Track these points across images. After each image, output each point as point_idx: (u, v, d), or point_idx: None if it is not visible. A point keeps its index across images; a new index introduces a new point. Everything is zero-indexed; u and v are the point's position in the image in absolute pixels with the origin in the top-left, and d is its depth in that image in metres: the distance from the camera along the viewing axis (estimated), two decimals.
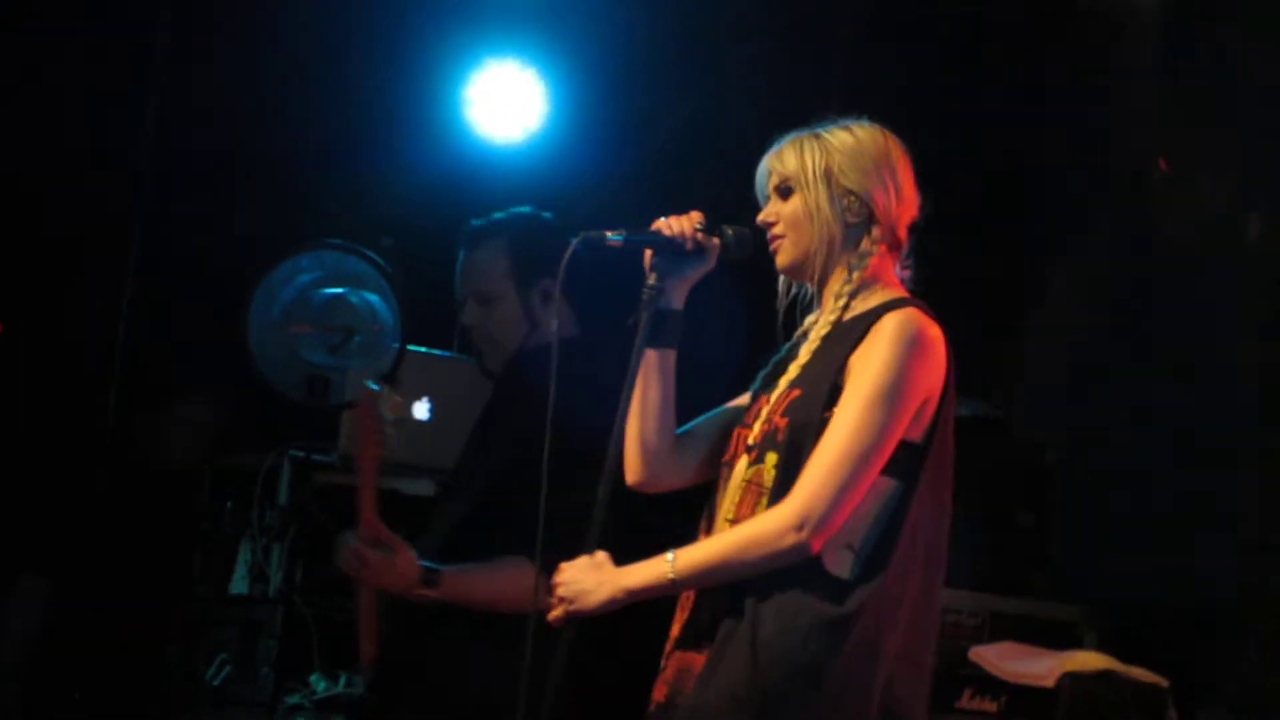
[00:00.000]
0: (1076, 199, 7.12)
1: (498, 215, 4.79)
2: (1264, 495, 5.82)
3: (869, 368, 3.58)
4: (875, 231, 3.74)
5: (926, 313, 3.67)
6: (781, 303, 3.85)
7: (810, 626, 3.51)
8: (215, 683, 6.09)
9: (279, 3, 7.25)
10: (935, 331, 3.64)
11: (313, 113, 7.18)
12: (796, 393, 3.67)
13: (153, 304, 6.87)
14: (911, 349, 3.59)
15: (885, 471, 3.57)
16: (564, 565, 3.69)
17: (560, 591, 3.67)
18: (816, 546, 3.51)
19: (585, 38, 7.40)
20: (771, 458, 3.65)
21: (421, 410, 6.34)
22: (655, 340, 3.79)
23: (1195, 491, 6.38)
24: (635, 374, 3.78)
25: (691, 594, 3.71)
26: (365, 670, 4.63)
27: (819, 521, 3.50)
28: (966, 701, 5.74)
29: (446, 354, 6.63)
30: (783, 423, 3.65)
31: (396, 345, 6.12)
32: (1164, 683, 5.69)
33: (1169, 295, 6.66)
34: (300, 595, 5.97)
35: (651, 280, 3.77)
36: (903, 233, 3.79)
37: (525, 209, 4.81)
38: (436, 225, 7.22)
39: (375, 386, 4.52)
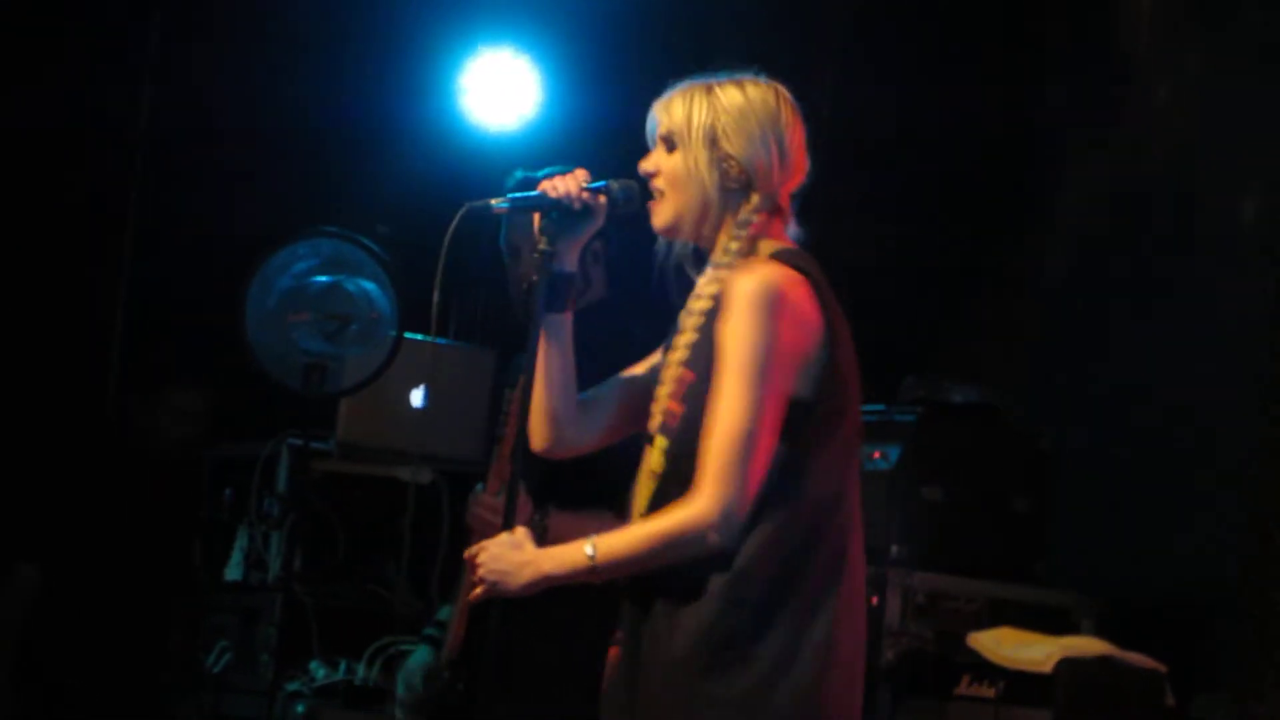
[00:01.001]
0: (1075, 173, 7.13)
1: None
2: (1263, 480, 5.82)
3: (730, 342, 3.50)
4: (754, 199, 3.63)
5: (788, 263, 3.57)
6: (661, 263, 3.75)
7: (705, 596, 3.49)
8: (215, 670, 6.10)
9: None
10: (790, 282, 3.53)
11: (308, 101, 7.18)
12: (690, 377, 3.59)
13: (149, 292, 6.87)
14: (765, 310, 3.49)
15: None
16: (484, 544, 3.63)
17: (480, 571, 3.61)
18: (734, 542, 3.47)
19: (579, 25, 7.41)
20: (661, 442, 3.61)
21: (419, 398, 6.34)
22: (550, 305, 3.72)
23: (1194, 476, 6.39)
24: (535, 341, 3.73)
25: None
26: (447, 657, 4.60)
27: (736, 516, 3.46)
28: (964, 687, 5.74)
29: (443, 341, 6.65)
30: (678, 409, 3.59)
31: (393, 333, 6.11)
32: (1162, 668, 5.70)
33: (1167, 278, 6.67)
34: (299, 582, 5.99)
35: (541, 245, 3.70)
36: (785, 199, 3.68)
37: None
38: (432, 213, 7.22)
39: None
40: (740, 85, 3.65)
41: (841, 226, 7.27)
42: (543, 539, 3.83)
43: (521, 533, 3.62)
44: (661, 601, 3.55)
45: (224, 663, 6.10)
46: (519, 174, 4.76)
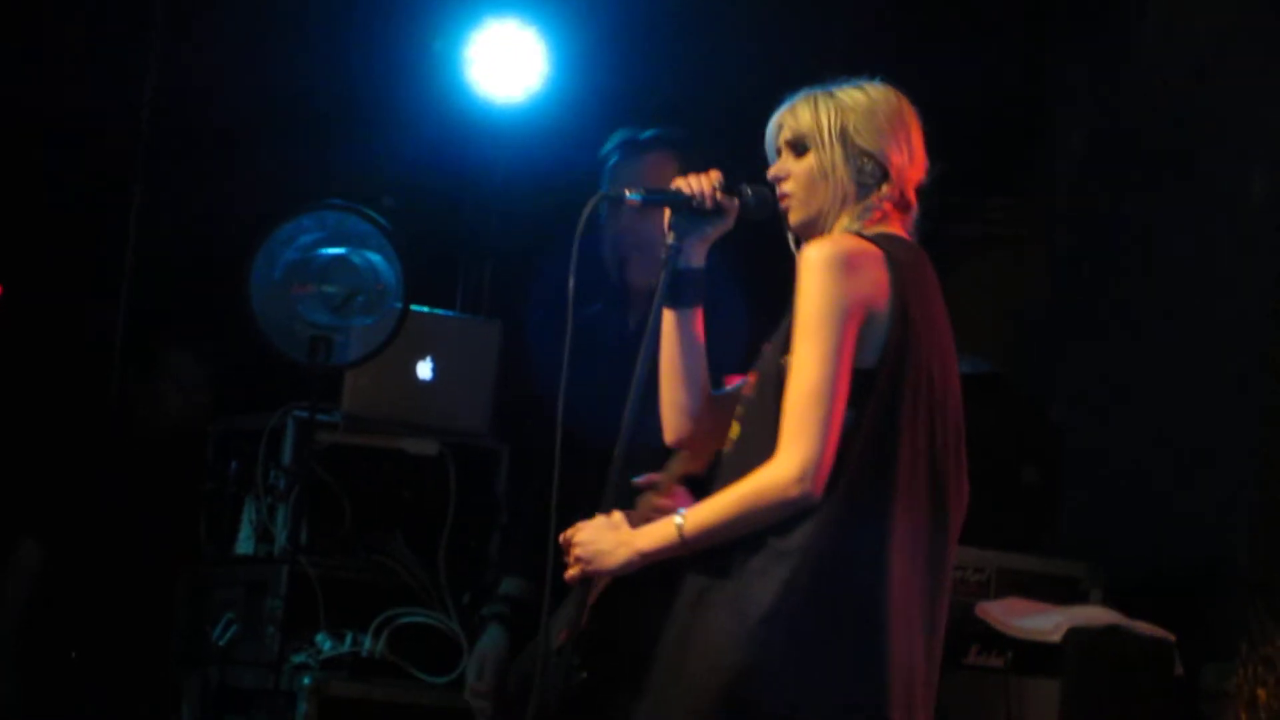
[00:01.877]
0: (1079, 150, 7.12)
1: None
2: (1272, 450, 5.81)
3: (801, 303, 3.58)
4: (885, 189, 3.71)
5: (868, 238, 3.65)
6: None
7: (760, 565, 3.54)
8: (221, 642, 6.09)
9: None
10: (860, 248, 3.62)
11: (313, 72, 7.15)
12: (769, 347, 3.70)
13: (155, 265, 6.85)
14: (830, 268, 3.56)
15: None
16: (581, 524, 3.71)
17: (577, 551, 3.69)
18: (819, 493, 3.52)
19: None
20: (738, 409, 3.71)
21: (425, 370, 6.33)
22: (675, 300, 3.81)
23: (1202, 446, 6.38)
24: (655, 334, 3.80)
25: None
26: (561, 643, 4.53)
27: (816, 468, 3.50)
28: (973, 657, 5.74)
29: (450, 314, 6.63)
30: (753, 377, 3.70)
31: (399, 305, 6.10)
32: (1171, 637, 5.70)
33: (1174, 247, 6.65)
34: (305, 555, 5.98)
35: (670, 239, 3.78)
36: (911, 194, 3.77)
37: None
38: (438, 185, 7.24)
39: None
40: (860, 88, 3.77)
41: None
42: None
43: (618, 515, 3.69)
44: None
45: (230, 635, 6.09)
46: (623, 133, 4.81)
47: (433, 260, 6.77)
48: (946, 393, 3.69)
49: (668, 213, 3.81)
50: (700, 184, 3.79)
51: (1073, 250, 7.11)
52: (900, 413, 3.59)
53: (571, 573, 3.70)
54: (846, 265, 3.56)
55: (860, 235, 3.66)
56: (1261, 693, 5.66)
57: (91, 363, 6.75)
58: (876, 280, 3.59)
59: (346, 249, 6.21)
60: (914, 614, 3.62)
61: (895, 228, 3.74)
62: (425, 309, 6.33)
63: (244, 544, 6.22)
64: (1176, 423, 6.49)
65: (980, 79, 7.11)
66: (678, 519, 3.60)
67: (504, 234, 7.26)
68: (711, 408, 3.86)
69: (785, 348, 3.60)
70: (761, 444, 3.59)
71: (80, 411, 6.70)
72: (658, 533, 3.63)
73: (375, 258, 6.21)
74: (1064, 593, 5.99)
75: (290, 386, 6.22)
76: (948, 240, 7.18)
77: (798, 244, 3.80)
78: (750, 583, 3.54)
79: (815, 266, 3.57)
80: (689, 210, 3.78)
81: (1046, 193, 7.27)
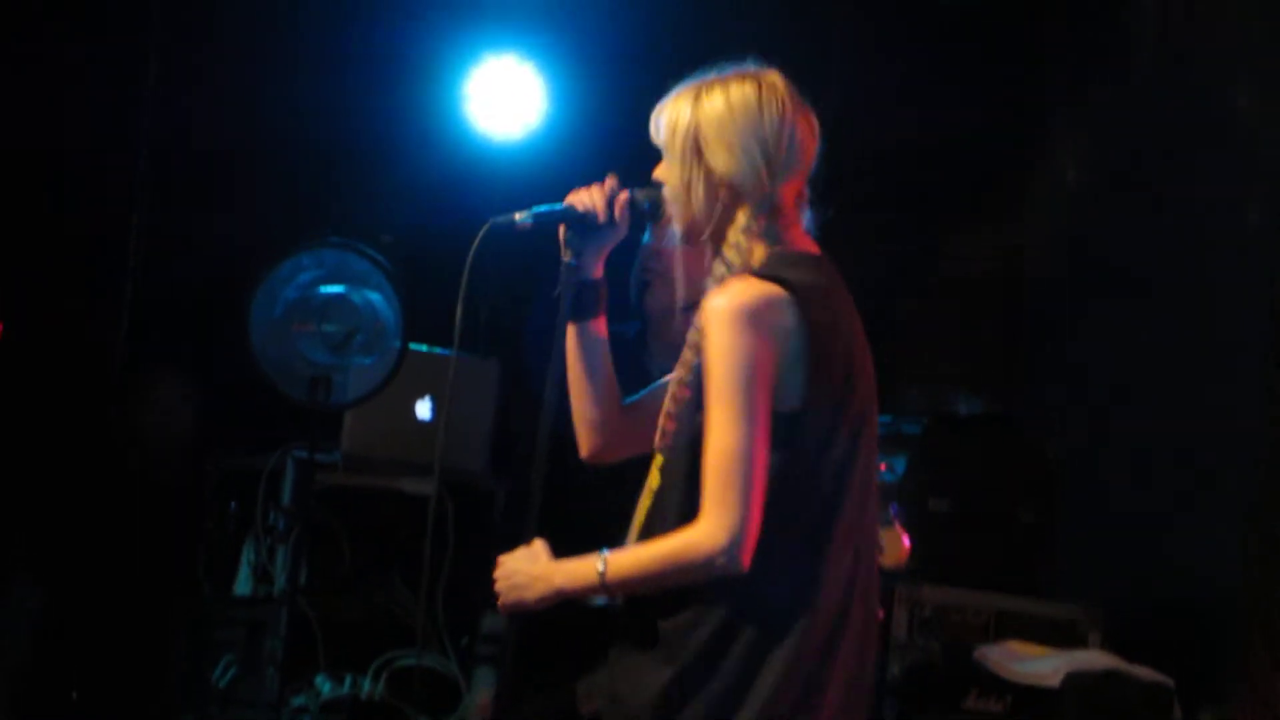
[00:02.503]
0: (1070, 173, 7.13)
1: None
2: (1270, 490, 5.81)
3: (710, 364, 3.48)
4: (741, 215, 3.59)
5: (766, 275, 3.52)
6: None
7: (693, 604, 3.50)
8: (221, 683, 6.09)
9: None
10: (762, 297, 3.49)
11: (312, 110, 7.16)
12: (685, 394, 3.59)
13: (153, 303, 6.84)
14: (735, 325, 3.45)
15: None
16: (503, 557, 3.65)
17: (499, 585, 3.64)
18: (747, 562, 3.45)
19: (584, 32, 7.39)
20: (658, 459, 3.63)
21: (424, 409, 6.33)
22: (579, 314, 3.76)
23: (1200, 488, 6.37)
24: (562, 350, 3.76)
25: None
26: None
27: (743, 538, 3.43)
28: (972, 701, 5.75)
29: (448, 352, 6.63)
30: (670, 426, 3.61)
31: (398, 344, 6.10)
32: (1170, 682, 5.70)
33: (1167, 281, 6.66)
34: (305, 596, 5.98)
35: (567, 258, 3.72)
36: (788, 198, 3.62)
37: None
38: (437, 222, 7.21)
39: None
40: (725, 86, 3.61)
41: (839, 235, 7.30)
42: None
43: (539, 545, 3.64)
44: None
45: (229, 676, 6.09)
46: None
47: (431, 298, 6.76)
48: (872, 415, 3.63)
49: (562, 229, 3.73)
50: (592, 197, 3.72)
51: (1069, 288, 7.11)
52: (833, 447, 3.54)
53: (502, 601, 3.63)
54: (751, 319, 3.46)
55: (761, 275, 3.53)
56: None
57: (89, 399, 6.74)
58: (784, 327, 3.49)
59: (345, 287, 6.21)
60: (861, 641, 3.59)
61: (793, 234, 3.63)
62: (424, 347, 6.33)
63: (243, 584, 6.22)
64: (1175, 465, 6.49)
65: (972, 109, 7.13)
66: (599, 564, 3.53)
67: (502, 272, 7.26)
68: (624, 417, 3.81)
69: (698, 403, 3.51)
70: (680, 499, 3.53)
71: (77, 452, 6.69)
72: (579, 572, 3.56)
73: (374, 296, 6.21)
74: (1062, 635, 6.00)
75: (290, 426, 6.21)
76: (938, 274, 7.24)
77: None
78: (683, 629, 3.50)
79: (720, 323, 3.46)
80: (583, 225, 3.72)
81: (1037, 223, 7.28)
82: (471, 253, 3.78)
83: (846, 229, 6.84)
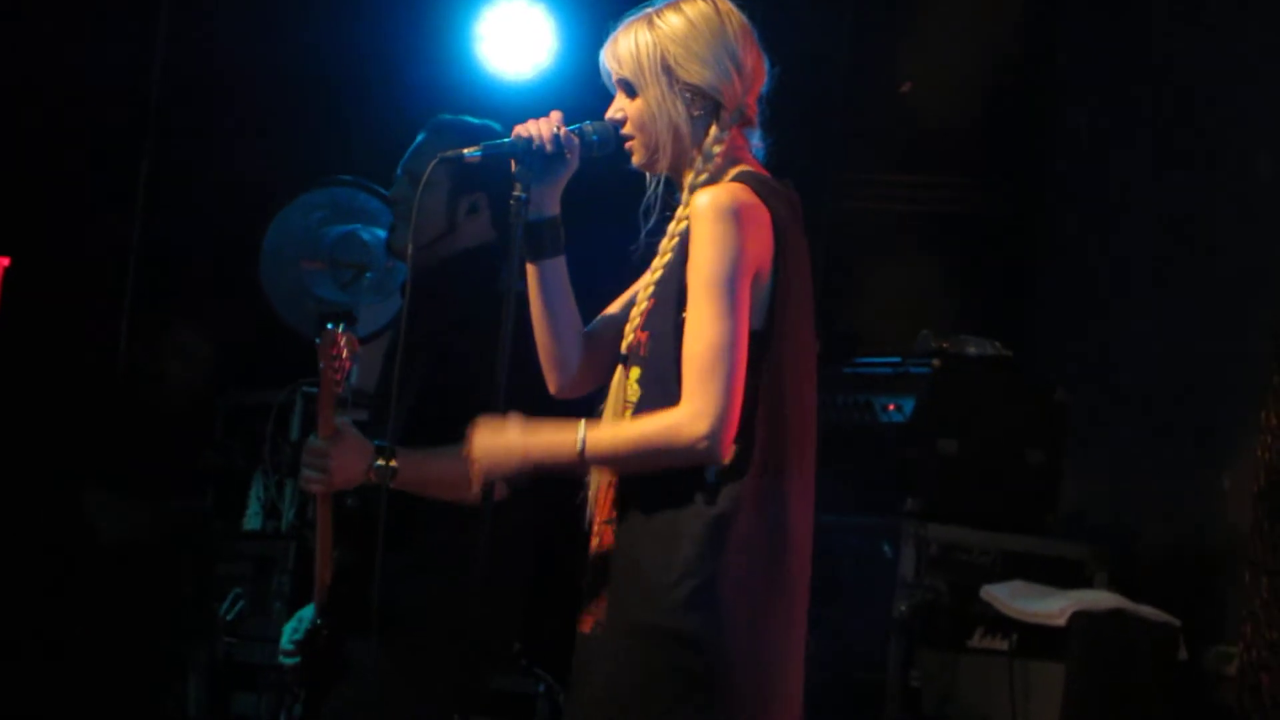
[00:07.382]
0: (1093, 135, 7.12)
1: (474, 120, 4.74)
2: (1277, 432, 5.81)
3: (696, 257, 3.50)
4: (723, 116, 3.63)
5: (748, 184, 3.57)
6: (650, 198, 3.72)
7: (690, 533, 3.49)
8: (229, 618, 6.10)
9: None
10: (749, 201, 3.53)
11: (323, 50, 7.16)
12: (652, 303, 3.60)
13: (163, 243, 6.86)
14: (726, 220, 3.49)
15: None
16: (475, 434, 3.61)
17: (473, 460, 3.61)
18: (725, 455, 3.47)
19: None
20: (635, 371, 3.62)
21: None
22: (536, 253, 3.70)
23: (1207, 429, 6.38)
24: (511, 283, 3.67)
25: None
26: (318, 597, 4.56)
27: (724, 427, 3.45)
28: (978, 640, 5.76)
29: None
30: (644, 336, 3.60)
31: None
32: (1175, 621, 5.72)
33: (1180, 231, 6.65)
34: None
35: (516, 191, 3.65)
36: (752, 108, 3.67)
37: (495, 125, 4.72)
38: None
39: (331, 326, 4.47)
40: (677, 7, 3.64)
41: (853, 178, 7.29)
42: (391, 479, 4.21)
43: (514, 418, 3.59)
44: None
45: (237, 610, 6.11)
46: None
47: None
48: (813, 350, 3.66)
49: (513, 163, 3.65)
50: (539, 128, 3.64)
51: (1078, 231, 7.10)
52: (786, 375, 3.56)
53: (476, 474, 3.60)
54: (741, 218, 3.50)
55: (740, 180, 3.56)
56: (1265, 677, 5.67)
57: (99, 335, 6.75)
58: (765, 240, 3.54)
59: (356, 225, 6.21)
60: (805, 582, 3.60)
61: (743, 153, 3.66)
62: None
63: (251, 520, 6.23)
64: (1182, 406, 6.49)
65: (986, 60, 7.11)
66: (580, 435, 3.53)
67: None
68: (588, 351, 3.76)
69: (680, 303, 3.53)
70: (672, 405, 3.50)
71: (88, 388, 6.70)
72: (556, 444, 3.56)
73: (384, 234, 6.21)
74: (1069, 576, 6.00)
75: (299, 362, 6.22)
76: (952, 220, 7.23)
77: (655, 181, 3.71)
78: (673, 546, 3.49)
79: (710, 217, 3.51)
80: (532, 158, 3.64)
81: (1052, 173, 7.26)
82: (420, 187, 3.85)
83: (855, 165, 6.88)
